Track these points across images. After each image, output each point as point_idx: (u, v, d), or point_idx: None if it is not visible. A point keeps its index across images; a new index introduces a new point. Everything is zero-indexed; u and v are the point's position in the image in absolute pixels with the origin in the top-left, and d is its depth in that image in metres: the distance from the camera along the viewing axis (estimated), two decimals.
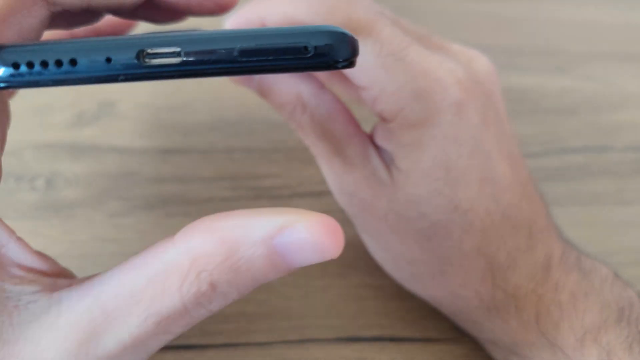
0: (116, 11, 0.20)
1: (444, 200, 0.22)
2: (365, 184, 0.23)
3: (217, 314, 0.27)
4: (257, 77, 0.24)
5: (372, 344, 0.26)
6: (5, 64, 0.15)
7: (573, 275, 0.23)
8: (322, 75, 0.26)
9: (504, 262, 0.23)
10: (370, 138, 0.24)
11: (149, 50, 0.15)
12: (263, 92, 0.24)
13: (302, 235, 0.15)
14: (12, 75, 0.15)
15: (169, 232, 0.17)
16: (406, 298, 0.26)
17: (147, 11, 0.20)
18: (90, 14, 0.20)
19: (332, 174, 0.24)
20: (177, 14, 0.21)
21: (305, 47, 0.16)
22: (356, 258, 0.27)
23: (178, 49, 0.16)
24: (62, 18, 0.20)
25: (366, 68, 0.21)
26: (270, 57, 0.16)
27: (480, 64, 0.24)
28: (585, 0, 0.44)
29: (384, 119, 0.22)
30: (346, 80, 0.25)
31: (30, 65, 0.15)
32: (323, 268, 0.28)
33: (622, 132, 0.36)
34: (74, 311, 0.16)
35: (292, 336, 0.26)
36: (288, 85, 0.24)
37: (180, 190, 0.30)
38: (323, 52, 0.16)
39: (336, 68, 0.16)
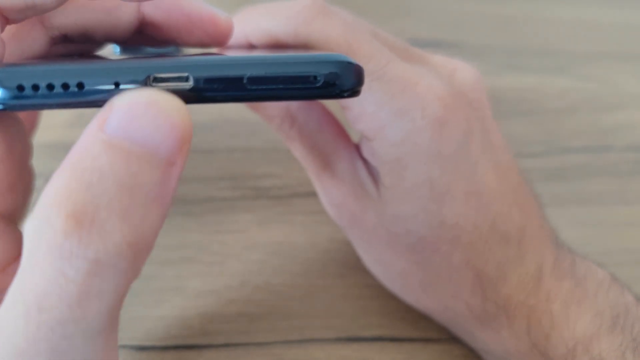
0: (110, 38, 0.20)
1: (429, 216, 0.22)
2: (354, 198, 0.23)
3: (217, 314, 0.27)
4: None
5: (372, 344, 0.26)
6: (9, 87, 0.15)
7: (566, 283, 0.23)
8: None
9: (494, 274, 0.23)
10: (358, 150, 0.24)
11: (157, 75, 0.15)
12: (252, 104, 0.25)
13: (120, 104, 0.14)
14: (15, 98, 0.15)
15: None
16: None
17: (141, 38, 0.20)
18: (89, 40, 0.20)
19: (322, 187, 0.25)
20: (168, 43, 0.21)
21: (315, 77, 0.16)
22: (356, 258, 0.26)
23: (186, 74, 0.15)
24: (65, 43, 0.20)
25: None
26: (280, 86, 0.16)
27: (464, 74, 0.24)
28: (585, 0, 0.44)
29: (365, 137, 0.22)
30: None
31: (35, 88, 0.15)
32: (323, 268, 0.28)
33: (622, 132, 0.36)
34: None
35: (292, 336, 0.26)
36: None
37: (180, 190, 0.30)
38: (331, 82, 0.16)
39: (342, 97, 0.16)
